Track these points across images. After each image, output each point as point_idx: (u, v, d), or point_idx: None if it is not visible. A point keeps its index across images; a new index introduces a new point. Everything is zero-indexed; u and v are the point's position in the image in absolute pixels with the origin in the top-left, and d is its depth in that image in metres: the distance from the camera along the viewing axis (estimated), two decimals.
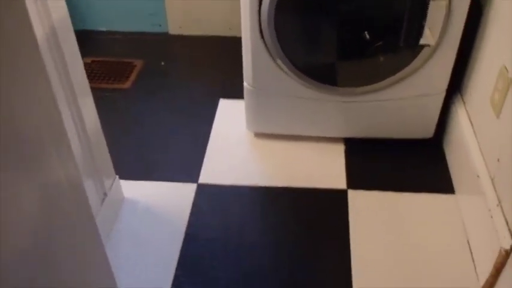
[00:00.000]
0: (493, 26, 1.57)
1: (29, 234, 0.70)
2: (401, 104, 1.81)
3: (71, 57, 1.30)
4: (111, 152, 1.63)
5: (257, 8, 1.59)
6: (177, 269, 1.53)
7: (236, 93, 2.05)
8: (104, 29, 2.57)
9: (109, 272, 1.05)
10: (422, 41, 1.61)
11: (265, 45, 1.67)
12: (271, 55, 1.70)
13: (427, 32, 1.59)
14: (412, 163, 1.89)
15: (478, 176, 1.52)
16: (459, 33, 1.62)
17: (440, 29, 1.58)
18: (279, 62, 1.71)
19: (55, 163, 0.74)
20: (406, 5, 1.60)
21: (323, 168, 1.87)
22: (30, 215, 0.70)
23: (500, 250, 1.31)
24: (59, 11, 1.23)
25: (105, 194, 1.60)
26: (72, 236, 0.85)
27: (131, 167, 1.85)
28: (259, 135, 1.98)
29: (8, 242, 0.63)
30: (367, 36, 1.63)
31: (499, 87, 1.45)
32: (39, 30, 1.17)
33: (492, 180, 1.45)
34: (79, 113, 1.38)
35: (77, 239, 0.87)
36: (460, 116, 1.76)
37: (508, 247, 1.29)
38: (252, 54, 1.72)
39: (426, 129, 1.89)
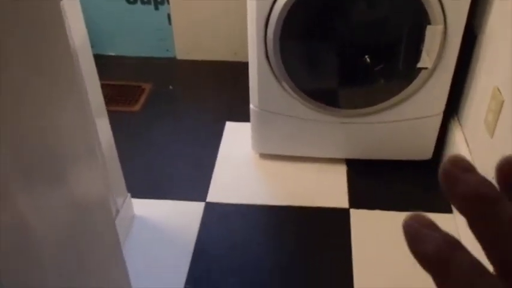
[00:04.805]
0: (486, 49, 1.65)
1: (56, 244, 0.75)
2: (400, 126, 1.89)
3: (89, 78, 1.38)
4: (122, 171, 1.70)
5: (263, 34, 1.68)
6: (186, 283, 1.58)
7: (241, 116, 2.12)
8: (113, 53, 2.65)
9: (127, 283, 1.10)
10: (419, 65, 1.69)
11: (271, 68, 1.75)
12: (276, 77, 1.77)
13: (424, 55, 1.67)
14: (412, 184, 1.94)
15: None
16: (455, 57, 1.70)
17: (437, 53, 1.66)
18: (284, 84, 1.78)
19: (86, 176, 0.81)
20: (404, 31, 1.69)
21: (326, 188, 1.92)
22: (61, 225, 0.76)
23: None
24: (80, 33, 1.31)
25: (117, 211, 1.66)
26: (97, 247, 0.90)
27: (141, 186, 1.90)
28: (264, 156, 2.04)
29: (39, 250, 0.69)
30: (368, 60, 1.71)
31: (492, 108, 1.52)
32: None
33: None
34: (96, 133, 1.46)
35: (101, 250, 0.93)
36: (457, 137, 1.83)
37: None
38: (258, 77, 1.79)
39: (425, 150, 1.96)
